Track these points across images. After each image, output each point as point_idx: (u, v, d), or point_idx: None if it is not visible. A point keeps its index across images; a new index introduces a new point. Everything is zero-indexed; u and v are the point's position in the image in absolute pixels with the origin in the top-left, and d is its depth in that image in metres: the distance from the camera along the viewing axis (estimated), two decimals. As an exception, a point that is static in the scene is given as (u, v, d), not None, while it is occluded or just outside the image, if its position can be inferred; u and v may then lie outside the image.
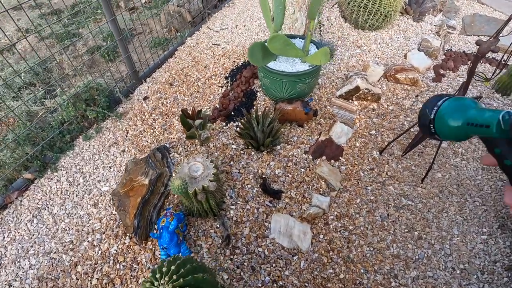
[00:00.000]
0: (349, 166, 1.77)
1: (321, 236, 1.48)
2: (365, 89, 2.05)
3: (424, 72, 2.38)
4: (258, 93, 2.12)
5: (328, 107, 2.07)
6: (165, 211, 1.34)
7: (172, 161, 1.68)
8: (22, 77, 2.42)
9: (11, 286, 1.36)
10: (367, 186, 1.69)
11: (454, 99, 0.45)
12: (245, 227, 1.44)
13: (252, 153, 1.73)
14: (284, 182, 1.63)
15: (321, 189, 1.63)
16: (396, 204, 1.62)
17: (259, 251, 1.38)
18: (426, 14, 2.95)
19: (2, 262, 1.44)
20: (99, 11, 3.37)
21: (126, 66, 2.26)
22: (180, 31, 2.98)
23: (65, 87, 2.35)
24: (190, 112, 1.55)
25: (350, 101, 2.12)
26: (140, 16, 3.13)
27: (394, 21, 2.75)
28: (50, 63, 2.62)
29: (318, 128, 1.94)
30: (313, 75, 1.78)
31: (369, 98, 2.09)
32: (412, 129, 1.94)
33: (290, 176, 1.65)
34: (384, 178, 1.72)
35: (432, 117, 0.45)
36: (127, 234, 1.37)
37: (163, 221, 1.27)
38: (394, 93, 2.21)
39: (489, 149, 0.41)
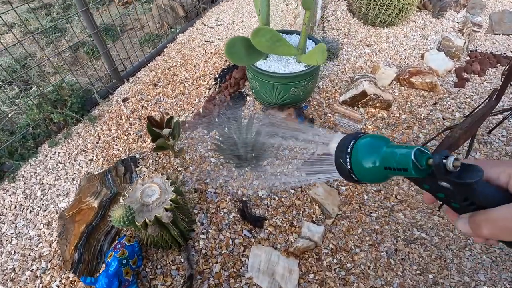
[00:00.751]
0: (350, 186, 1.48)
1: (311, 276, 1.20)
2: (373, 94, 1.75)
3: (444, 75, 2.05)
4: (248, 97, 1.85)
5: (329, 115, 1.78)
6: (117, 241, 1.09)
7: (138, 176, 1.43)
8: (-3, 74, 2.24)
9: None
10: (371, 212, 1.40)
11: (363, 140, 0.41)
12: (216, 262, 1.18)
13: (233, 169, 1.46)
14: (268, 206, 1.35)
15: (314, 216, 1.35)
16: (406, 237, 1.32)
17: (230, 295, 1.11)
18: (448, 10, 2.61)
19: None
20: (91, 5, 3.18)
21: (104, 64, 2.04)
22: (173, 27, 2.75)
23: (43, 86, 2.15)
24: (158, 119, 1.30)
25: (355, 108, 1.83)
26: (132, 11, 2.92)
27: (410, 16, 2.42)
28: (29, 59, 2.43)
29: (315, 139, 1.65)
30: (309, 77, 1.50)
31: (377, 105, 1.79)
32: (429, 144, 1.63)
33: (277, 198, 1.38)
34: (392, 203, 1.43)
35: (349, 167, 0.41)
36: (64, 269, 1.13)
37: (110, 256, 1.02)
38: (407, 100, 1.90)
39: (419, 186, 0.38)
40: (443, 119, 1.78)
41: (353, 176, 0.42)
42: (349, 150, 0.41)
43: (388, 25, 2.37)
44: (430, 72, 1.95)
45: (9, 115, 1.89)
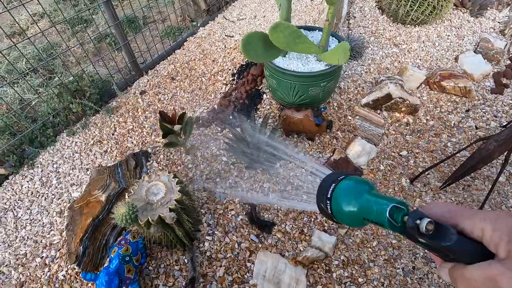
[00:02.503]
0: (367, 195, 1.38)
1: (319, 288, 1.13)
2: (399, 97, 1.63)
3: (480, 80, 1.88)
4: (264, 95, 1.79)
5: (349, 118, 1.68)
6: (122, 236, 1.08)
7: (149, 171, 1.42)
8: (24, 63, 2.32)
9: (-48, 300, 1.19)
10: (388, 225, 1.30)
11: (342, 184, 0.41)
12: (220, 266, 1.14)
13: (244, 169, 1.41)
14: (278, 211, 1.29)
15: (326, 225, 1.28)
16: (426, 255, 1.22)
17: (232, 302, 1.07)
18: (488, 8, 2.39)
19: (-47, 269, 1.28)
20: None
21: (124, 56, 2.05)
22: (194, 20, 2.72)
23: (64, 76, 2.20)
24: (171, 115, 1.27)
25: (378, 111, 1.71)
26: (155, 3, 2.93)
27: (445, 15, 2.24)
28: (55, 49, 2.50)
29: (332, 143, 1.57)
30: (330, 77, 1.41)
31: (403, 109, 1.67)
32: (458, 154, 1.50)
33: (294, 208, 1.31)
34: (413, 217, 1.32)
35: (330, 211, 0.42)
36: (69, 262, 1.13)
37: (114, 251, 1.01)
38: (437, 105, 1.76)
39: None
40: (476, 128, 1.63)
41: (335, 220, 0.42)
42: (329, 195, 0.42)
43: (420, 23, 2.21)
44: (464, 76, 1.80)
45: (32, 103, 1.95)
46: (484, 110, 1.71)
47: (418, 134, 1.63)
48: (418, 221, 0.32)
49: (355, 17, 2.34)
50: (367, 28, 2.28)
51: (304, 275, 1.15)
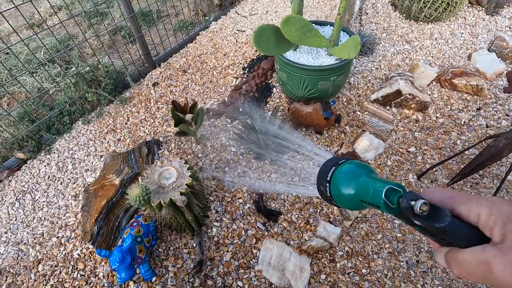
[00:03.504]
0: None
1: (323, 277, 1.16)
2: (409, 94, 1.63)
3: (493, 79, 1.86)
4: (274, 89, 1.81)
5: (358, 113, 1.69)
6: (134, 219, 1.13)
7: (161, 158, 1.47)
8: (43, 53, 2.40)
9: (-25, 273, 1.26)
10: (394, 219, 1.32)
11: (342, 167, 0.42)
12: (227, 251, 1.18)
13: (252, 160, 1.44)
14: (285, 201, 1.32)
15: (331, 216, 1.30)
16: (431, 249, 1.23)
17: (238, 285, 1.11)
18: (505, 6, 2.35)
19: (-24, 245, 1.36)
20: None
21: (138, 48, 2.10)
22: (207, 15, 2.76)
23: (81, 66, 2.26)
24: (183, 104, 1.31)
25: (388, 107, 1.72)
26: (169, -3, 2.97)
27: (460, 12, 2.21)
28: (72, 41, 2.57)
29: (340, 137, 1.58)
30: (340, 71, 1.42)
31: (412, 106, 1.67)
32: (467, 152, 1.49)
33: (294, 194, 1.34)
34: (418, 212, 1.33)
35: (329, 194, 0.43)
36: (84, 241, 1.19)
37: (126, 232, 1.06)
38: (447, 103, 1.75)
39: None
40: (487, 126, 1.62)
41: (334, 203, 0.43)
42: (328, 178, 0.42)
43: (433, 20, 2.19)
44: (476, 74, 1.78)
45: (50, 92, 2.02)
46: (496, 109, 1.70)
47: (427, 131, 1.63)
48: (412, 202, 0.32)
49: (367, 13, 2.33)
50: (379, 24, 2.27)
51: (309, 264, 1.17)
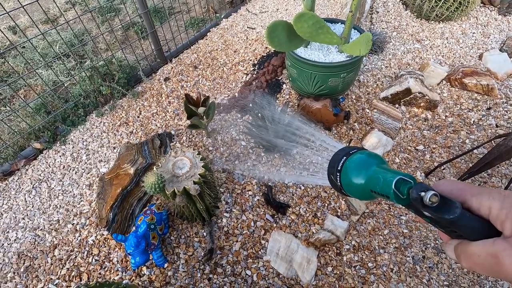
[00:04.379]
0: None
1: (330, 269, 1.18)
2: (419, 92, 1.64)
3: (504, 79, 1.85)
4: (284, 85, 1.84)
5: (367, 111, 1.70)
6: (147, 207, 1.17)
7: (174, 149, 1.50)
8: (58, 47, 2.46)
9: (-5, 256, 1.32)
10: (401, 215, 1.33)
11: (353, 157, 0.42)
12: (236, 241, 1.21)
13: (262, 153, 1.47)
14: (293, 195, 1.35)
15: (339, 210, 1.32)
16: (437, 246, 1.25)
17: (246, 274, 1.14)
18: (518, 7, 2.33)
19: (-5, 230, 1.42)
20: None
21: (150, 43, 2.14)
22: (218, 12, 2.79)
23: (95, 60, 2.32)
24: (195, 98, 1.34)
25: (397, 106, 1.73)
26: (180, -6, 3.01)
27: (472, 11, 2.20)
28: (88, 35, 2.63)
29: (349, 134, 1.60)
30: (350, 68, 1.44)
31: (422, 104, 1.68)
32: (475, 151, 1.50)
33: (303, 188, 1.37)
34: (425, 209, 1.34)
35: (339, 183, 0.43)
36: (100, 226, 1.23)
37: (140, 219, 1.10)
38: (457, 102, 1.75)
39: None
40: (497, 126, 1.62)
41: (344, 192, 0.43)
42: (339, 168, 0.42)
43: (445, 19, 2.18)
44: (487, 74, 1.78)
45: (65, 85, 2.08)
46: (506, 109, 1.69)
47: (436, 130, 1.63)
48: (422, 193, 0.32)
49: (378, 12, 2.34)
50: (389, 23, 2.27)
51: (316, 256, 1.20)
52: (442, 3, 2.04)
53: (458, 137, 1.59)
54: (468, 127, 1.63)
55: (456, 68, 1.85)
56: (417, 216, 0.35)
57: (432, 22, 2.23)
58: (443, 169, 1.47)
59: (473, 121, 1.65)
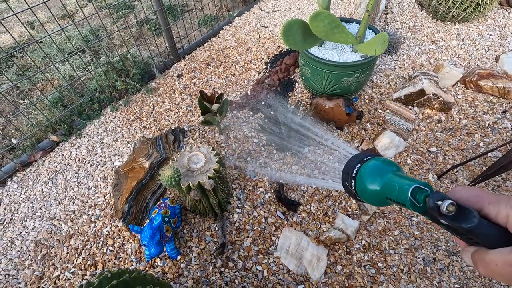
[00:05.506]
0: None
1: (339, 267, 1.19)
2: (433, 94, 1.62)
3: (521, 82, 1.82)
4: (296, 84, 1.84)
5: (380, 111, 1.70)
6: (161, 201, 1.19)
7: (189, 144, 1.53)
8: (74, 43, 2.51)
9: (13, 244, 1.37)
10: (412, 217, 1.33)
11: (368, 164, 0.42)
12: (248, 237, 1.23)
13: (274, 151, 1.48)
14: (304, 193, 1.36)
15: (349, 209, 1.33)
16: (449, 248, 1.24)
17: (257, 269, 1.15)
18: (538, 9, 2.28)
19: (13, 218, 1.46)
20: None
21: (164, 40, 2.17)
22: (231, 10, 2.81)
23: (111, 56, 2.36)
24: (209, 95, 1.36)
25: (410, 107, 1.72)
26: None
27: (489, 13, 2.16)
28: (105, 30, 2.68)
29: (361, 134, 1.60)
30: (364, 68, 1.44)
31: (435, 106, 1.66)
32: (490, 154, 1.48)
33: (314, 186, 1.37)
34: (437, 211, 1.33)
35: (354, 190, 0.43)
36: (115, 218, 1.26)
37: (155, 212, 1.12)
38: (472, 104, 1.73)
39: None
40: (512, 129, 1.60)
41: (359, 198, 0.43)
42: (354, 174, 0.42)
43: (461, 21, 2.15)
44: (503, 77, 1.75)
45: (81, 79, 2.12)
46: (522, 112, 1.67)
47: (450, 132, 1.62)
48: (439, 202, 0.32)
49: (392, 12, 2.32)
50: (404, 23, 2.25)
51: (326, 254, 1.21)
52: (459, 4, 2.01)
53: (472, 140, 1.57)
54: (482, 130, 1.61)
55: (471, 70, 1.82)
56: (433, 222, 0.36)
57: (448, 23, 2.20)
58: (456, 171, 1.46)
59: (488, 124, 1.63)
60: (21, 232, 1.39)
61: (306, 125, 1.39)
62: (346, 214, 1.30)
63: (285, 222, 1.27)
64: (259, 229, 1.24)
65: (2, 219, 1.43)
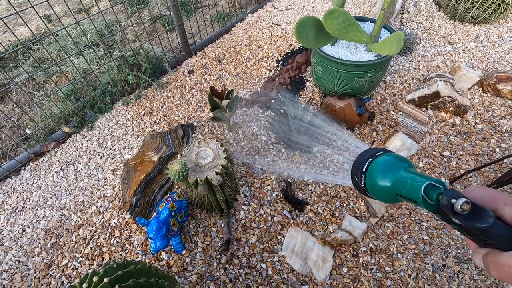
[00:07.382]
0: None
1: (345, 270, 1.17)
2: (448, 96, 1.58)
3: (542, 86, 1.75)
4: (307, 83, 1.82)
5: (392, 112, 1.66)
6: (168, 195, 1.20)
7: (198, 139, 1.53)
8: (89, 37, 2.55)
9: (24, 231, 1.40)
10: (422, 221, 1.30)
11: (379, 159, 0.41)
12: (253, 234, 1.22)
13: (283, 149, 1.47)
14: (312, 192, 1.34)
15: (357, 211, 1.30)
16: (459, 255, 1.21)
17: (261, 267, 1.15)
18: (562, 11, 2.18)
19: (25, 206, 1.50)
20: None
21: (177, 36, 2.18)
22: (244, 7, 2.80)
23: (124, 51, 2.39)
24: (220, 91, 1.36)
25: (423, 109, 1.68)
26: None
27: (511, 14, 2.09)
28: (119, 25, 2.71)
29: (372, 135, 1.57)
30: (377, 68, 1.41)
31: (450, 109, 1.62)
32: (506, 160, 1.43)
33: (322, 186, 1.36)
34: (449, 216, 1.30)
35: (363, 185, 0.42)
36: (123, 210, 1.28)
37: (162, 206, 1.13)
38: (488, 108, 1.68)
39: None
40: (531, 136, 1.54)
41: (368, 194, 0.42)
42: (364, 169, 0.41)
43: (481, 22, 2.08)
44: (524, 81, 1.68)
45: (95, 73, 2.16)
46: (542, 119, 1.60)
47: (464, 136, 1.57)
48: (453, 200, 0.31)
49: (409, 12, 2.26)
50: (420, 24, 2.19)
51: (331, 256, 1.19)
52: (479, 4, 1.94)
53: (487, 145, 1.53)
54: (499, 135, 1.56)
55: (489, 73, 1.76)
56: (444, 222, 0.34)
57: (467, 24, 2.14)
58: (470, 177, 1.42)
59: (505, 129, 1.58)
60: (32, 220, 1.43)
61: (317, 122, 1.37)
62: (354, 216, 1.28)
63: (292, 221, 1.26)
64: (265, 227, 1.24)
65: (14, 206, 1.47)
